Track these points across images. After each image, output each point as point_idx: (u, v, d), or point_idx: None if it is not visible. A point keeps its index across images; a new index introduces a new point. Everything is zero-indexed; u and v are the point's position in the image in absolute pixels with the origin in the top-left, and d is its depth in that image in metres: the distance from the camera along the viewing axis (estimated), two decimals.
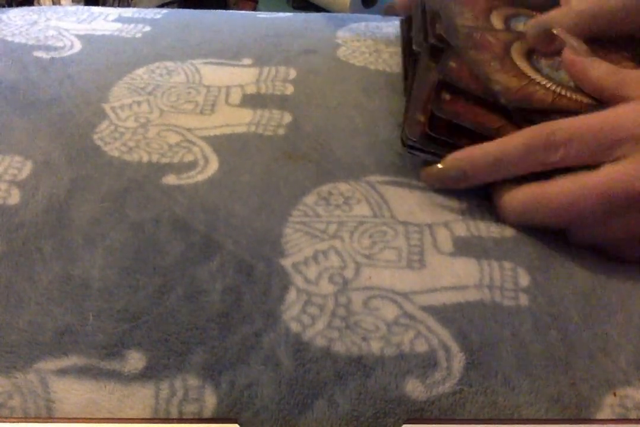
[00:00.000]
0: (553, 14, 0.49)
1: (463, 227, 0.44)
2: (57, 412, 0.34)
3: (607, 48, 0.47)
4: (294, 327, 0.37)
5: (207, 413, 0.34)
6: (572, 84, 0.44)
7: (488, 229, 0.44)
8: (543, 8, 0.51)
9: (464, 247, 0.43)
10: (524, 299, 0.39)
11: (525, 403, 0.34)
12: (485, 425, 0.33)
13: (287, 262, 0.41)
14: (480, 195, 0.47)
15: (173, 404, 0.34)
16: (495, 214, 0.44)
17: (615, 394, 0.34)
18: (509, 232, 0.44)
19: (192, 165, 0.50)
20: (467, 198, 0.47)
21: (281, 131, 0.54)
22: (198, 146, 0.52)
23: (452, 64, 0.48)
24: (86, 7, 0.76)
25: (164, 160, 0.51)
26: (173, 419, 0.34)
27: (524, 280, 0.41)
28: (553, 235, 0.43)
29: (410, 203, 0.46)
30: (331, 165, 0.51)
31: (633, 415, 0.34)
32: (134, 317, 0.37)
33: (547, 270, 0.41)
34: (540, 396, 0.34)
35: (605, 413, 0.34)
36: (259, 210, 0.46)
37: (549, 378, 0.35)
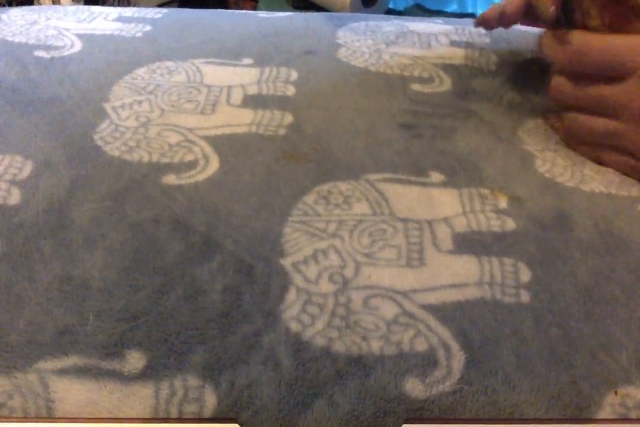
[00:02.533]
0: None
1: (463, 222, 0.44)
2: (57, 412, 0.33)
3: None
4: (294, 326, 0.37)
5: (207, 413, 0.34)
6: None
7: (488, 223, 0.44)
8: None
9: (463, 244, 0.43)
10: (524, 296, 0.39)
11: (526, 402, 0.34)
12: (486, 424, 0.33)
13: (286, 262, 0.41)
14: (480, 184, 0.47)
15: (173, 404, 0.34)
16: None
17: (616, 393, 0.34)
18: (510, 225, 0.44)
19: (192, 165, 0.50)
20: (468, 188, 0.47)
21: (282, 132, 0.54)
22: (199, 146, 0.52)
23: None
24: (86, 7, 0.76)
25: (164, 160, 0.50)
26: (173, 419, 0.34)
27: (525, 276, 0.41)
28: (555, 229, 0.43)
29: (410, 199, 0.46)
30: (331, 165, 0.51)
31: (634, 414, 0.34)
32: (134, 317, 0.37)
33: (548, 265, 0.41)
34: (541, 394, 0.34)
35: (606, 412, 0.33)
36: (258, 210, 0.46)
37: (549, 377, 0.35)
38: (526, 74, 0.63)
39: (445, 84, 0.61)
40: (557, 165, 0.51)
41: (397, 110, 0.56)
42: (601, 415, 0.33)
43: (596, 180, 0.49)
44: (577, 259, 0.42)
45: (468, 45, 0.68)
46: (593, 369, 0.35)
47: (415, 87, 0.60)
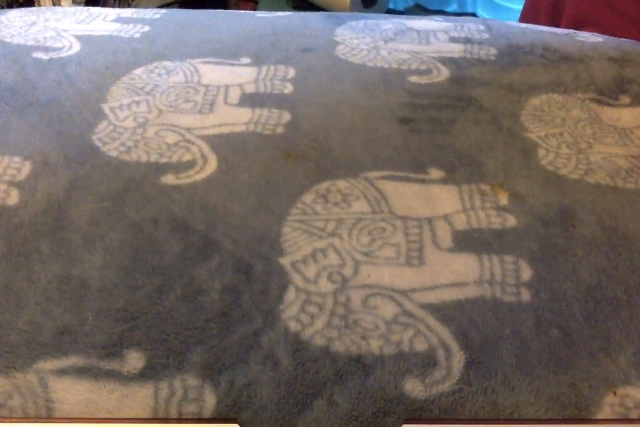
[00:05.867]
0: None
1: (463, 220, 0.44)
2: (56, 412, 0.33)
3: None
4: (293, 326, 0.37)
5: (207, 413, 0.34)
6: None
7: (489, 220, 0.44)
8: None
9: (463, 242, 0.42)
10: (525, 295, 0.39)
11: (525, 403, 0.34)
12: (485, 425, 0.33)
13: (285, 261, 0.41)
14: (481, 179, 0.47)
15: (172, 404, 0.34)
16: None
17: (615, 394, 0.34)
18: (510, 222, 0.44)
19: (190, 164, 0.50)
20: (468, 185, 0.47)
21: (280, 130, 0.54)
22: (196, 145, 0.52)
23: None
24: (85, 8, 0.76)
25: (163, 160, 0.50)
26: (173, 419, 0.34)
27: (526, 274, 0.40)
28: (557, 225, 0.43)
29: (409, 197, 0.46)
30: (329, 163, 0.50)
31: (633, 414, 0.33)
32: (133, 317, 0.37)
33: (550, 262, 0.40)
34: (540, 395, 0.34)
35: (605, 413, 0.33)
36: (257, 209, 0.46)
37: (549, 378, 0.34)
38: (527, 60, 0.63)
39: (444, 74, 0.60)
40: (560, 155, 0.50)
41: (395, 104, 0.56)
42: (600, 415, 0.33)
43: (603, 170, 0.47)
44: (579, 256, 0.41)
45: (467, 40, 0.68)
46: (592, 371, 0.35)
47: (413, 79, 0.59)
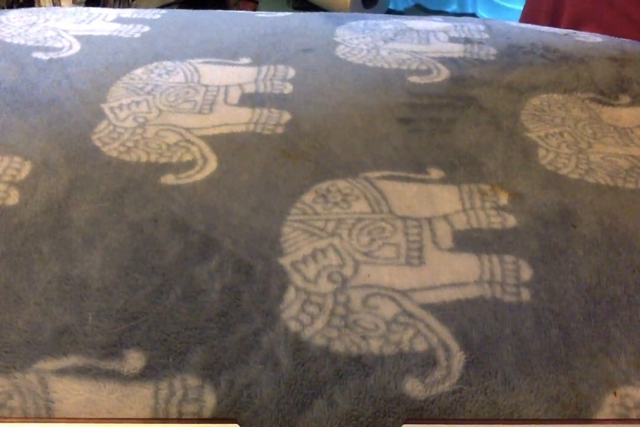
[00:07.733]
0: None
1: (463, 219, 0.44)
2: (56, 412, 0.33)
3: None
4: (293, 326, 0.37)
5: (207, 413, 0.34)
6: None
7: (489, 220, 0.44)
8: None
9: (463, 242, 0.42)
10: (525, 294, 0.39)
11: (525, 403, 0.34)
12: (485, 425, 0.33)
13: (285, 261, 0.41)
14: (480, 179, 0.47)
15: (172, 404, 0.34)
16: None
17: (615, 394, 0.34)
18: (510, 222, 0.44)
19: (190, 164, 0.50)
20: (468, 185, 0.47)
21: (280, 130, 0.54)
22: (196, 146, 0.52)
23: None
24: (85, 8, 0.76)
25: (163, 160, 0.50)
26: (173, 419, 0.34)
27: (526, 274, 0.40)
28: (557, 225, 0.43)
29: (409, 197, 0.46)
30: (329, 163, 0.50)
31: (634, 414, 0.33)
32: (133, 317, 0.37)
33: (550, 262, 0.40)
34: (540, 395, 0.34)
35: (605, 413, 0.33)
36: (257, 209, 0.46)
37: (548, 378, 0.35)
38: (527, 60, 0.63)
39: (443, 74, 0.60)
40: (561, 154, 0.50)
41: (395, 104, 0.56)
42: (601, 415, 0.33)
43: (603, 170, 0.47)
44: (579, 256, 0.41)
45: (467, 40, 0.68)
46: (592, 371, 0.35)
47: (413, 79, 0.60)
